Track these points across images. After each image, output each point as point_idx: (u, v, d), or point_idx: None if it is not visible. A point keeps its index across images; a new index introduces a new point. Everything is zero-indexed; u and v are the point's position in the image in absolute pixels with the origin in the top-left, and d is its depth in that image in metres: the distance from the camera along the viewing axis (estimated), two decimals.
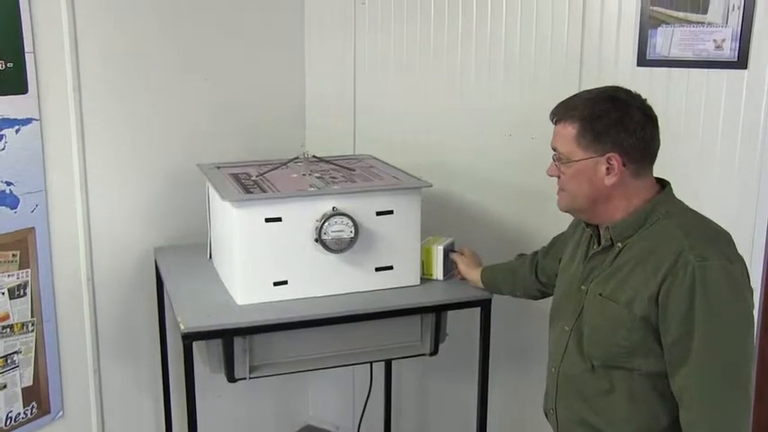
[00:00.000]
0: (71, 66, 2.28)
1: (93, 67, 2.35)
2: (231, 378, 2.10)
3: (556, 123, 1.70)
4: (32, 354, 2.32)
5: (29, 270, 2.27)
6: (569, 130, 1.66)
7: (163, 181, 2.61)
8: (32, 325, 2.31)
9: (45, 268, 2.32)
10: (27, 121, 2.20)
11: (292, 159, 2.43)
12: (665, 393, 1.63)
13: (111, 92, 2.43)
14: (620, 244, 1.68)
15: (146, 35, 2.50)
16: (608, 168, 1.63)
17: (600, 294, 1.68)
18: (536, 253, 2.16)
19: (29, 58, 2.17)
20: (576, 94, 1.71)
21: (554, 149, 1.72)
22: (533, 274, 2.14)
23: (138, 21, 2.47)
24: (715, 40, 2.25)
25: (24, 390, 2.32)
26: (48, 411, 2.39)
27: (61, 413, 2.44)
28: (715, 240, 1.61)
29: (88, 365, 2.49)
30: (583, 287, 1.74)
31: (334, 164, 2.46)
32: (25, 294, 2.27)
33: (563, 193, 1.73)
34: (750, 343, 1.56)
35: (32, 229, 2.26)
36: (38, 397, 2.36)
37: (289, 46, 2.98)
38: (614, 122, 1.61)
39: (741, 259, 1.60)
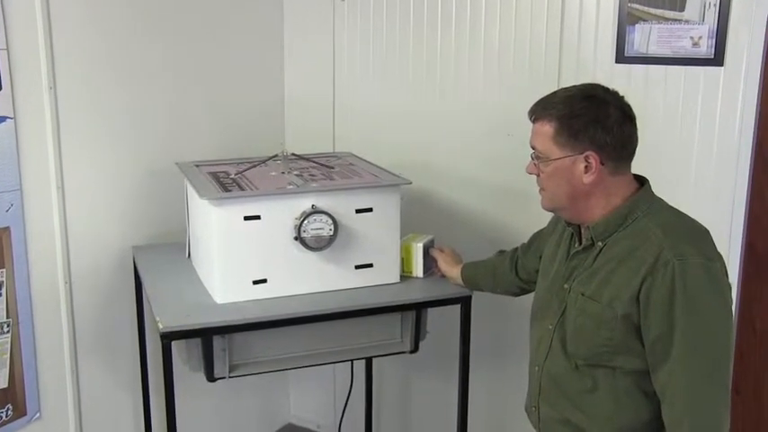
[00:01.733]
0: (46, 62, 2.27)
1: (69, 64, 2.33)
2: (211, 377, 2.10)
3: (534, 122, 1.71)
4: (8, 355, 2.30)
5: (4, 270, 2.26)
6: (547, 128, 1.67)
7: (141, 179, 2.60)
8: (8, 326, 2.29)
9: (21, 268, 2.30)
10: (1, 120, 2.18)
11: (271, 157, 2.43)
12: (647, 391, 1.64)
13: (87, 89, 2.41)
14: (600, 243, 1.69)
15: (122, 31, 2.49)
16: (586, 167, 1.64)
17: (582, 294, 1.70)
18: (516, 250, 2.17)
19: (2, 55, 2.15)
20: (554, 92, 1.72)
21: (533, 148, 1.72)
22: (513, 271, 2.15)
23: (114, 17, 2.45)
24: (692, 38, 2.27)
25: (0, 391, 2.30)
26: (24, 413, 2.38)
27: (38, 415, 2.42)
28: (694, 238, 1.62)
29: (65, 366, 2.48)
30: (566, 286, 1.75)
31: (313, 161, 2.46)
32: (1, 295, 2.25)
33: (543, 192, 1.74)
34: (730, 339, 1.58)
35: (7, 228, 2.25)
36: (14, 398, 2.34)
37: (268, 42, 2.97)
38: (592, 121, 1.62)
39: (720, 256, 1.62)
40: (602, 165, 1.64)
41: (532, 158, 1.73)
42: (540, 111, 1.69)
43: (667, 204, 1.72)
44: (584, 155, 1.64)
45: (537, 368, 1.83)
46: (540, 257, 1.96)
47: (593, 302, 1.67)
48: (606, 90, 1.68)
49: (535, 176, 1.75)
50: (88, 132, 2.43)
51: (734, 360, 1.60)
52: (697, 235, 1.64)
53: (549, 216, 1.95)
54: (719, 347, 1.56)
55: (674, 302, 1.54)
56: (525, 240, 2.16)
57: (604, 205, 1.68)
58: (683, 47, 2.29)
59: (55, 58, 2.29)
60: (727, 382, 1.57)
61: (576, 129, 1.63)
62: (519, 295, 2.19)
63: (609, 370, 1.67)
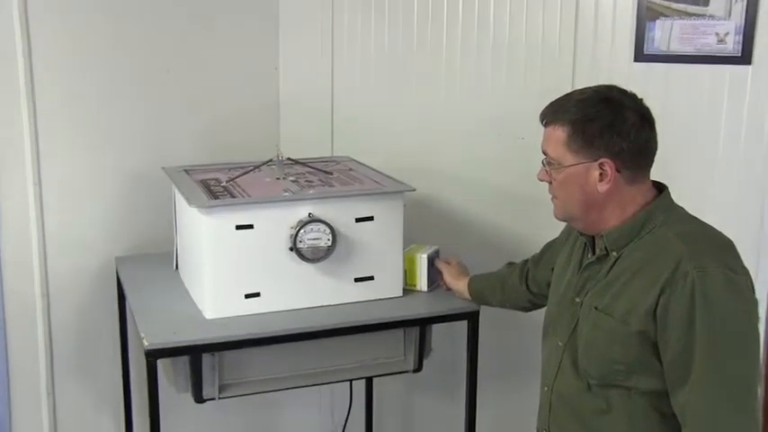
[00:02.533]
0: (23, 60, 2.26)
1: (47, 62, 2.34)
2: (199, 399, 2.09)
3: (545, 126, 1.71)
4: None
5: None
6: (559, 133, 1.66)
7: (124, 185, 2.59)
8: None
9: None
10: None
11: (265, 162, 2.42)
12: (665, 413, 1.63)
13: (66, 88, 2.42)
14: (614, 253, 1.68)
15: (105, 26, 2.48)
16: (601, 175, 1.64)
17: (595, 308, 1.69)
18: (526, 261, 2.17)
19: None
20: (568, 95, 1.71)
21: (544, 153, 1.72)
22: (524, 284, 2.14)
23: (96, 10, 2.45)
24: (717, 34, 2.26)
25: None
26: None
27: None
28: (716, 249, 1.61)
29: (41, 386, 2.47)
30: (577, 299, 1.75)
31: (310, 167, 2.45)
32: None
33: (556, 201, 1.74)
34: (757, 360, 1.57)
35: None
36: None
37: (262, 37, 2.95)
38: (607, 126, 1.62)
39: (745, 270, 1.60)
40: (618, 173, 1.64)
41: (544, 165, 1.73)
42: (551, 114, 1.69)
43: (688, 213, 1.71)
44: (598, 162, 1.63)
45: (546, 388, 1.83)
46: (553, 270, 1.96)
47: (606, 317, 1.66)
48: (623, 92, 1.67)
49: (547, 184, 1.74)
50: (68, 134, 2.43)
51: (764, 384, 1.58)
52: (719, 245, 1.63)
53: (562, 225, 1.94)
54: (745, 368, 1.55)
55: (694, 318, 1.53)
56: (536, 250, 2.16)
57: (619, 215, 1.68)
58: (708, 44, 2.28)
59: (32, 54, 2.29)
60: (754, 407, 1.55)
61: (590, 134, 1.63)
62: (530, 310, 2.19)
63: (624, 390, 1.66)
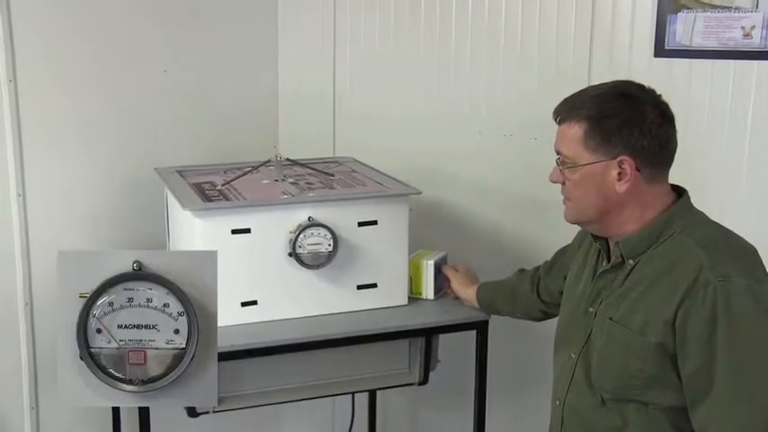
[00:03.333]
0: (5, 51, 2.26)
1: (32, 54, 2.33)
2: (193, 413, 2.09)
3: (560, 123, 1.71)
4: None
5: None
6: (575, 130, 1.66)
7: (115, 187, 2.59)
8: None
9: None
10: None
11: (263, 163, 2.42)
12: (684, 430, 1.62)
13: (53, 82, 2.41)
14: (631, 261, 1.68)
15: (95, 18, 2.48)
16: (619, 173, 1.64)
17: (610, 318, 1.69)
18: (538, 269, 2.17)
19: None
20: (583, 90, 1.72)
21: (558, 153, 1.72)
22: (535, 292, 2.14)
23: (85, 11, 2.45)
24: (743, 28, 2.25)
25: None
26: None
27: None
28: (739, 257, 1.61)
29: (24, 401, 2.47)
30: (591, 309, 1.75)
31: (310, 168, 2.45)
32: None
33: (569, 203, 1.74)
34: None
35: None
36: None
37: (260, 33, 2.96)
38: (626, 122, 1.62)
39: None
40: (638, 171, 1.64)
41: (558, 164, 1.73)
42: (566, 111, 1.69)
43: (709, 218, 1.71)
44: (617, 160, 1.63)
45: (558, 402, 1.82)
46: (565, 278, 1.96)
47: (622, 328, 1.66)
48: (641, 87, 1.68)
49: (560, 185, 1.75)
50: (55, 133, 2.43)
51: None
52: (742, 253, 1.63)
53: (575, 229, 1.94)
54: None
55: (716, 330, 1.53)
56: (548, 256, 2.16)
57: (638, 218, 1.68)
58: (733, 38, 2.28)
59: (15, 45, 2.29)
60: None
61: (608, 131, 1.63)
62: (541, 320, 2.19)
63: (640, 405, 1.65)
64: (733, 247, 1.64)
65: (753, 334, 1.53)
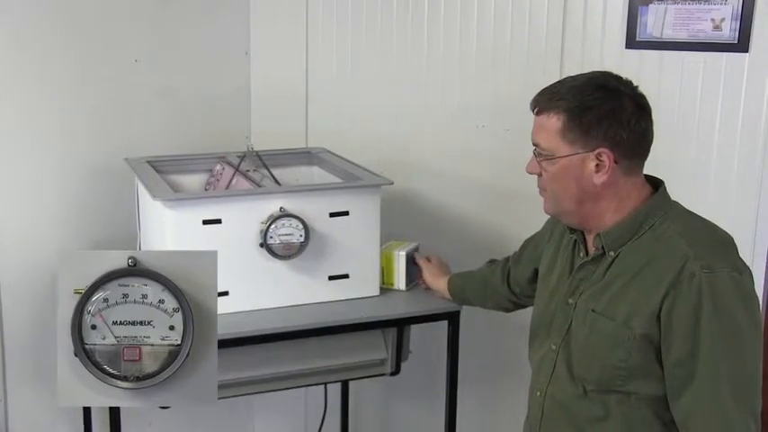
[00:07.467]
0: None
1: (1, 43, 2.30)
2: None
3: (537, 114, 1.69)
4: None
5: None
6: (554, 121, 1.64)
7: (84, 177, 2.57)
8: None
9: None
10: None
11: (241, 160, 2.38)
12: (665, 420, 1.63)
13: (20, 71, 2.38)
14: (612, 253, 1.68)
15: (66, 7, 2.45)
16: (597, 165, 1.63)
17: (592, 310, 1.68)
18: (508, 260, 2.17)
19: None
20: (561, 81, 1.70)
21: (535, 144, 1.70)
22: (505, 283, 2.14)
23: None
24: (713, 20, 2.27)
25: None
26: None
27: None
28: (721, 248, 1.62)
29: None
30: (570, 300, 1.74)
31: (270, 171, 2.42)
32: None
33: (545, 194, 1.73)
34: (760, 361, 1.58)
35: None
36: None
37: (233, 23, 2.92)
38: (606, 114, 1.61)
39: (747, 267, 1.62)
40: (616, 163, 1.63)
41: (535, 155, 1.71)
42: (545, 102, 1.67)
43: (686, 209, 1.71)
44: (595, 152, 1.62)
45: (539, 393, 1.81)
46: (536, 268, 1.96)
47: (605, 320, 1.65)
48: (619, 79, 1.67)
49: (536, 176, 1.73)
50: (22, 122, 2.41)
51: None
52: (723, 244, 1.64)
53: (547, 219, 1.94)
54: (749, 370, 1.57)
55: (700, 320, 1.53)
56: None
57: (615, 210, 1.67)
58: (703, 30, 2.29)
59: None
60: (756, 408, 1.57)
61: (587, 123, 1.62)
62: (511, 311, 2.19)
63: (623, 396, 1.65)
64: (713, 237, 1.65)
65: (736, 323, 1.54)
